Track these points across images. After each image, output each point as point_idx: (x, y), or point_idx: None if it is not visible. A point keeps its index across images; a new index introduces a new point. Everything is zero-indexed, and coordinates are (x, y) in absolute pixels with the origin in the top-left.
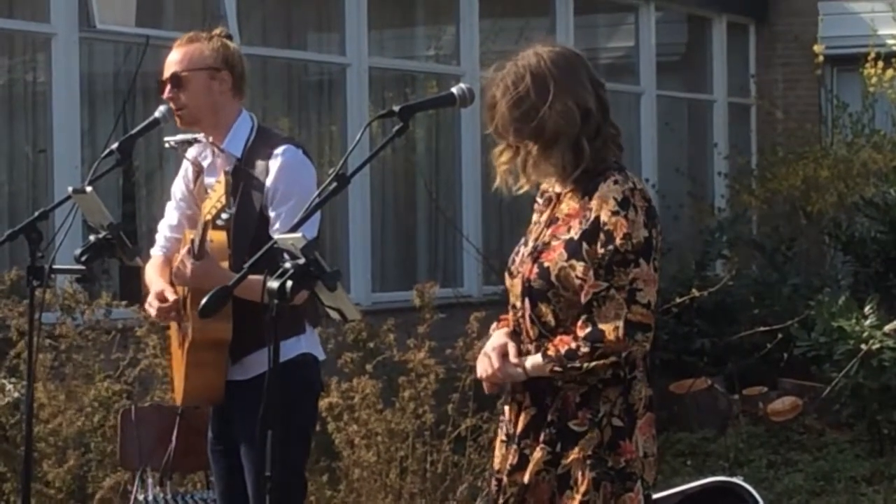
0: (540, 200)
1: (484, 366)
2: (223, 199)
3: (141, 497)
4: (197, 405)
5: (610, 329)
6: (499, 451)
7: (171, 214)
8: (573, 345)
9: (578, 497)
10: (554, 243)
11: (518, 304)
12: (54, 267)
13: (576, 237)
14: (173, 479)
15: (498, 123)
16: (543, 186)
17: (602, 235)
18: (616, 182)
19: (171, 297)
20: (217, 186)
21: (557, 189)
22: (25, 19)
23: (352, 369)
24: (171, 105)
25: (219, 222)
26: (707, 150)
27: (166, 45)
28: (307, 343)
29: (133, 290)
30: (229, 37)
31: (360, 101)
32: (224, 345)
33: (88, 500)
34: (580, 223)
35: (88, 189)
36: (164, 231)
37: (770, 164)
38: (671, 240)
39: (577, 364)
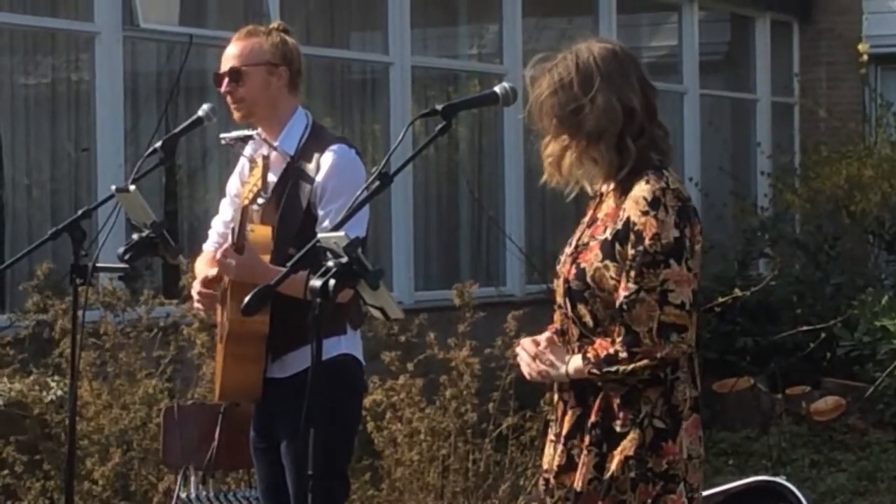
0: (590, 201)
1: (521, 357)
2: (259, 184)
3: (184, 495)
4: (235, 401)
5: (644, 332)
6: (548, 449)
7: (226, 210)
8: (611, 349)
9: (618, 496)
10: (591, 244)
11: (562, 304)
12: (97, 265)
13: (609, 238)
14: (216, 478)
15: (539, 113)
16: (594, 186)
17: (632, 236)
18: (648, 182)
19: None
20: (255, 171)
21: (603, 189)
22: (69, 18)
23: (395, 367)
24: (228, 98)
25: (255, 207)
26: (750, 149)
27: (210, 44)
28: (347, 344)
29: (175, 288)
30: (287, 31)
31: (403, 100)
32: (262, 338)
33: (131, 497)
34: (614, 223)
35: (132, 188)
36: (217, 227)
37: (813, 163)
38: (714, 238)
39: (614, 369)
